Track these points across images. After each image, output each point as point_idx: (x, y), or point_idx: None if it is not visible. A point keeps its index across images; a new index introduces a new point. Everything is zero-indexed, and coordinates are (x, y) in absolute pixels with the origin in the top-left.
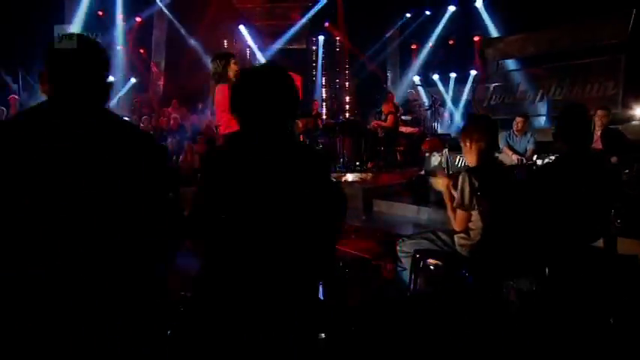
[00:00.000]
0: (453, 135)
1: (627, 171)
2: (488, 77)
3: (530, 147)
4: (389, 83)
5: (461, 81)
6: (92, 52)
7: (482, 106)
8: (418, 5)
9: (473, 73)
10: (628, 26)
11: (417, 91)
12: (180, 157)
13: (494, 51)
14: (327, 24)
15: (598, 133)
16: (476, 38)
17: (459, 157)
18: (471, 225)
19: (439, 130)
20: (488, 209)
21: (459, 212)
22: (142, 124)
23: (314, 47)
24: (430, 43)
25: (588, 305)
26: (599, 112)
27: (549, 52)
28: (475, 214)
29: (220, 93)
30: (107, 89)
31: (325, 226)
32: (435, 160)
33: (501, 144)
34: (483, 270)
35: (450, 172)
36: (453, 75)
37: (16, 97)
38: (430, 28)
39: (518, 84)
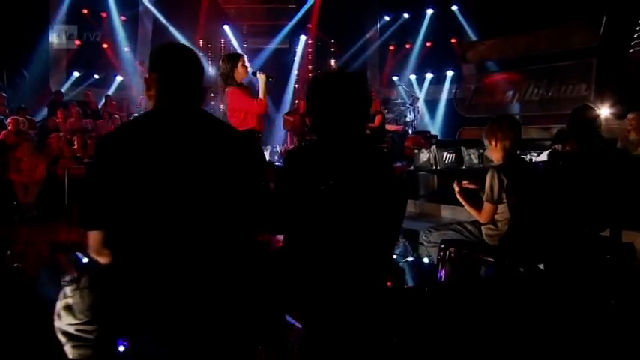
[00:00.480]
0: (433, 132)
1: None
2: (469, 78)
3: None
4: (369, 83)
5: (438, 81)
6: (194, 60)
7: (464, 106)
8: (397, 8)
9: (449, 74)
10: (599, 32)
11: (397, 91)
12: None
13: (475, 53)
14: (309, 25)
15: None
16: (453, 40)
17: (445, 153)
18: (497, 217)
19: (418, 128)
20: (517, 202)
21: (487, 205)
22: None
23: (296, 47)
24: (408, 45)
25: (594, 287)
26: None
27: (527, 56)
28: (502, 207)
29: (231, 95)
30: (204, 92)
31: (392, 219)
32: (424, 156)
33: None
34: (512, 257)
35: (438, 168)
36: (429, 75)
37: (4, 94)
38: (408, 30)
39: (497, 85)
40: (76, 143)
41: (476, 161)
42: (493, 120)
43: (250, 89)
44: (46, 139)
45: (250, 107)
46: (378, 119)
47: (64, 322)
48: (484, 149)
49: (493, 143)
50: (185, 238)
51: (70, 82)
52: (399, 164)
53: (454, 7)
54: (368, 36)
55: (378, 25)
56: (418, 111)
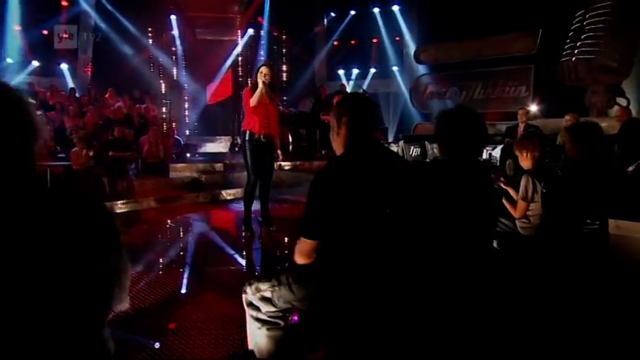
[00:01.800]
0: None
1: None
2: (424, 77)
3: None
4: (317, 77)
5: (380, 76)
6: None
7: (418, 102)
8: (344, 5)
9: (395, 69)
10: (536, 42)
11: (345, 85)
12: (144, 148)
13: (428, 55)
14: (259, 18)
15: (521, 128)
16: (397, 38)
17: (412, 147)
18: (529, 213)
19: None
20: (547, 200)
21: (521, 203)
22: (88, 114)
23: (245, 39)
24: (353, 41)
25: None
26: (521, 111)
27: (475, 60)
28: (533, 205)
29: (244, 95)
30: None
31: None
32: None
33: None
34: (543, 245)
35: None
36: (372, 70)
37: None
38: (354, 27)
39: (448, 84)
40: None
41: (438, 154)
42: (523, 135)
43: (269, 92)
44: None
45: (246, 106)
46: None
47: (264, 311)
48: None
49: (524, 154)
50: (384, 250)
51: None
52: None
53: (395, 7)
54: (316, 31)
55: (325, 21)
56: None
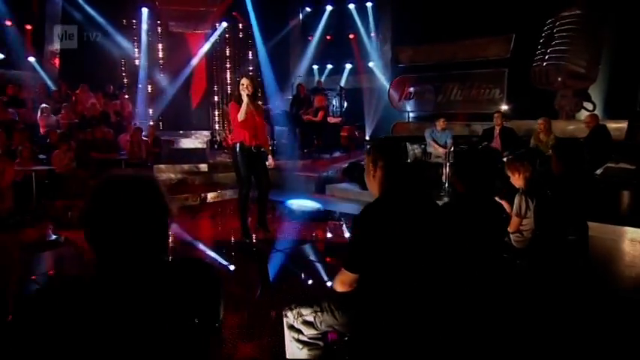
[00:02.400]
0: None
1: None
2: (400, 77)
3: (449, 141)
4: (292, 73)
5: (356, 72)
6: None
7: (396, 102)
8: (319, 1)
9: (372, 64)
10: (509, 46)
11: (321, 82)
12: (126, 148)
13: (406, 56)
14: (234, 13)
15: (497, 131)
16: (372, 34)
17: None
18: (522, 228)
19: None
20: (539, 216)
21: (515, 219)
22: (62, 112)
23: (218, 32)
24: (329, 36)
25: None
26: (496, 114)
27: (451, 62)
28: (525, 220)
29: (230, 109)
30: None
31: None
32: None
33: (427, 139)
34: (535, 256)
35: None
36: (348, 66)
37: None
38: (330, 22)
39: (425, 85)
40: (21, 146)
41: (419, 155)
42: (515, 156)
43: (256, 105)
44: None
45: (233, 120)
46: (320, 114)
47: (306, 334)
48: (425, 145)
49: (517, 174)
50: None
51: None
52: (339, 153)
53: (368, 4)
54: (291, 26)
55: (301, 16)
56: (344, 100)
